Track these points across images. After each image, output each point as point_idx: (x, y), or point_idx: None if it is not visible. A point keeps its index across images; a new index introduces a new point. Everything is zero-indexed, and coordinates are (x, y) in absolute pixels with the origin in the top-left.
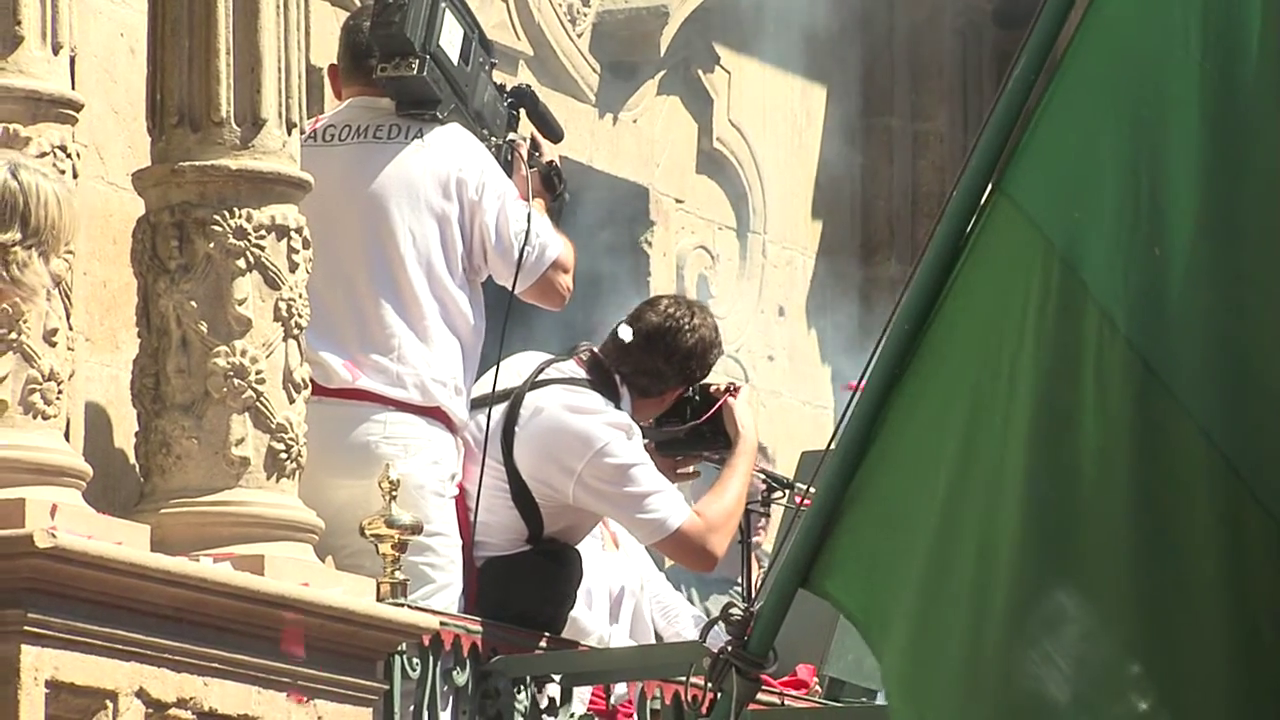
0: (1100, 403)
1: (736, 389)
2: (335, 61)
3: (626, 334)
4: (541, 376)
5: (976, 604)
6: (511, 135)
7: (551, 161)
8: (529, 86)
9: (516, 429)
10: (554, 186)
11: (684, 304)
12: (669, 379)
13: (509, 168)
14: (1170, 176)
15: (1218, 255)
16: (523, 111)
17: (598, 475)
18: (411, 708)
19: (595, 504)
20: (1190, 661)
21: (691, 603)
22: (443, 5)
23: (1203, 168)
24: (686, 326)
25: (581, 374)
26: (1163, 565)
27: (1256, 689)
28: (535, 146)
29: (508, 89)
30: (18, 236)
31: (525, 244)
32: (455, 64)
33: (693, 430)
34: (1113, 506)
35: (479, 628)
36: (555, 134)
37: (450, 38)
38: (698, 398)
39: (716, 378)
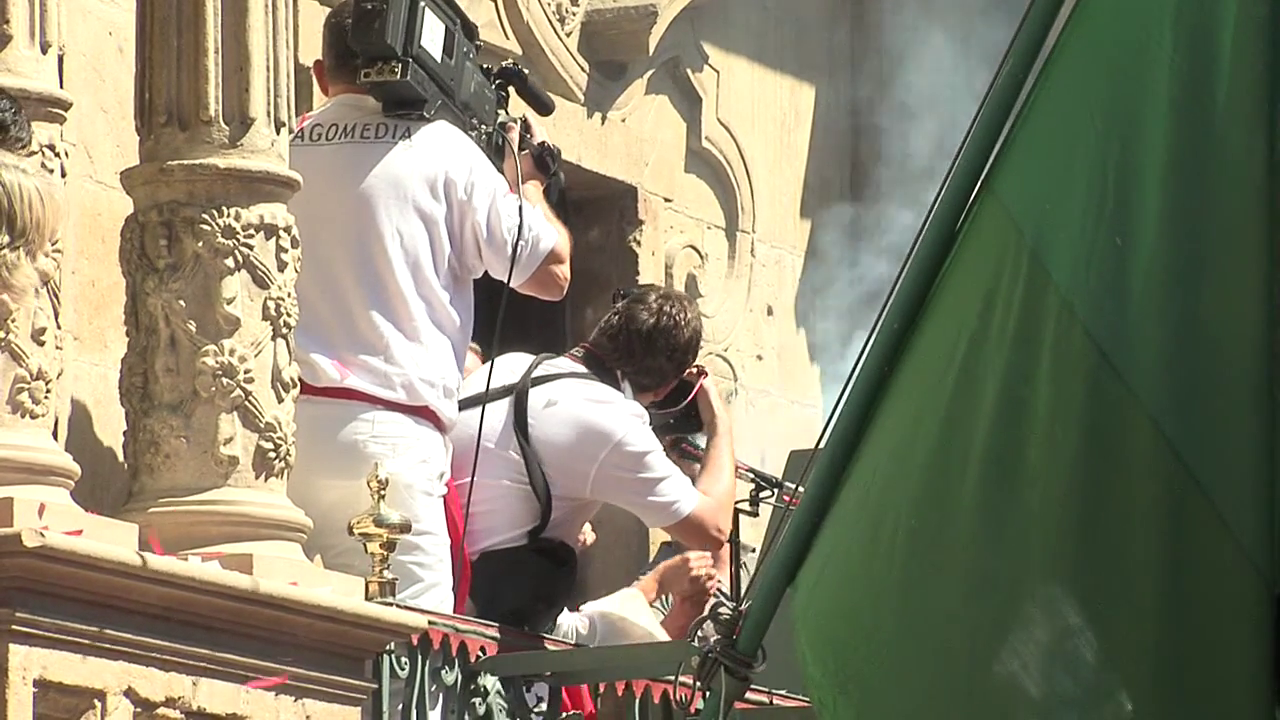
0: (1054, 390)
1: (705, 372)
2: (320, 57)
3: None
4: (539, 372)
5: (943, 601)
6: (502, 118)
7: (544, 143)
8: (516, 64)
9: (530, 421)
10: (547, 167)
11: (671, 298)
12: (669, 373)
13: (500, 153)
14: (1138, 168)
15: (1181, 247)
16: (512, 90)
17: (618, 463)
18: (400, 707)
19: (612, 490)
20: (1128, 644)
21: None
22: (422, 5)
23: (1170, 160)
24: (682, 322)
25: (581, 369)
26: (1104, 549)
27: (1189, 673)
28: (526, 128)
29: (495, 70)
30: (5, 240)
31: (518, 238)
32: (439, 61)
33: (665, 414)
34: (1056, 492)
35: (468, 627)
36: (546, 107)
37: (431, 36)
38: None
39: None
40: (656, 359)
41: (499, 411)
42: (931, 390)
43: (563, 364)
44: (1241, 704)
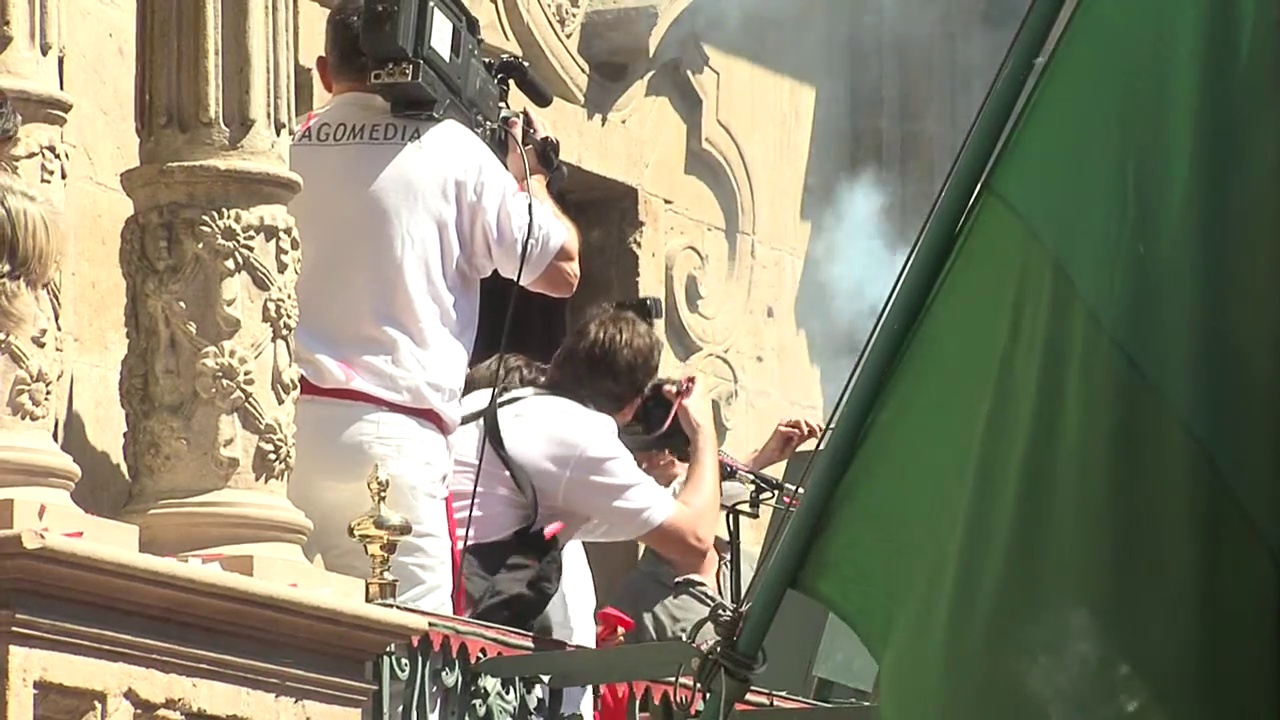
0: (1083, 402)
1: (690, 387)
2: (323, 54)
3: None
4: (505, 397)
5: (964, 603)
6: (505, 112)
7: (546, 137)
8: (516, 57)
9: (503, 436)
10: (550, 161)
11: (608, 321)
12: (624, 395)
13: (504, 147)
14: (1158, 173)
15: (1205, 251)
16: (512, 83)
17: (584, 470)
18: (400, 708)
19: (580, 499)
20: (1165, 657)
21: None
22: (431, 4)
23: (1191, 165)
24: (620, 344)
25: (545, 391)
26: (1139, 560)
27: (1228, 684)
28: (529, 123)
29: (496, 65)
30: (6, 268)
31: (528, 237)
32: (447, 60)
33: (650, 440)
34: (1090, 504)
35: (468, 628)
36: (544, 99)
37: (440, 36)
38: (651, 398)
39: (668, 372)
40: (603, 382)
41: (475, 433)
42: (965, 406)
43: (527, 391)
44: (1269, 715)
